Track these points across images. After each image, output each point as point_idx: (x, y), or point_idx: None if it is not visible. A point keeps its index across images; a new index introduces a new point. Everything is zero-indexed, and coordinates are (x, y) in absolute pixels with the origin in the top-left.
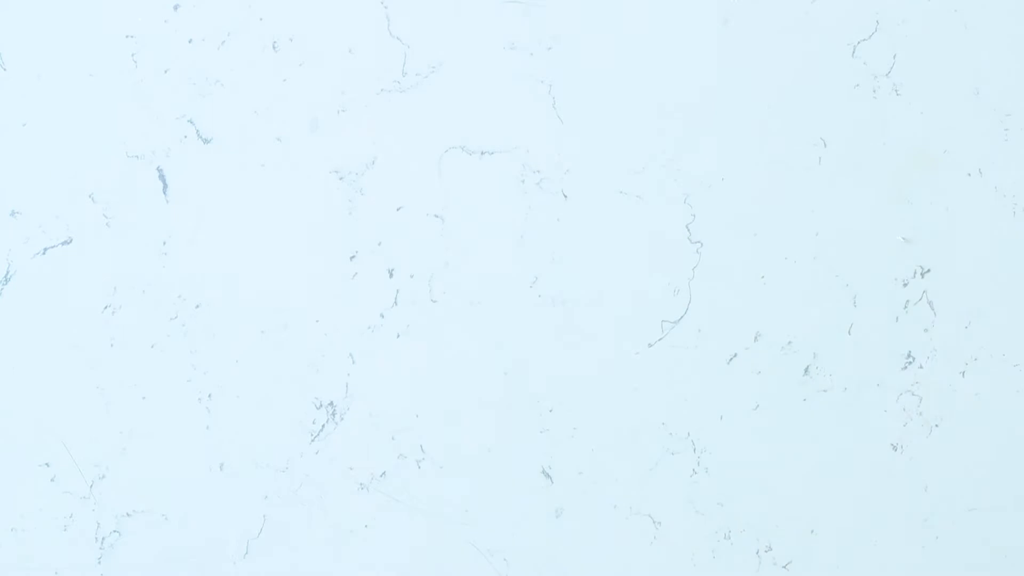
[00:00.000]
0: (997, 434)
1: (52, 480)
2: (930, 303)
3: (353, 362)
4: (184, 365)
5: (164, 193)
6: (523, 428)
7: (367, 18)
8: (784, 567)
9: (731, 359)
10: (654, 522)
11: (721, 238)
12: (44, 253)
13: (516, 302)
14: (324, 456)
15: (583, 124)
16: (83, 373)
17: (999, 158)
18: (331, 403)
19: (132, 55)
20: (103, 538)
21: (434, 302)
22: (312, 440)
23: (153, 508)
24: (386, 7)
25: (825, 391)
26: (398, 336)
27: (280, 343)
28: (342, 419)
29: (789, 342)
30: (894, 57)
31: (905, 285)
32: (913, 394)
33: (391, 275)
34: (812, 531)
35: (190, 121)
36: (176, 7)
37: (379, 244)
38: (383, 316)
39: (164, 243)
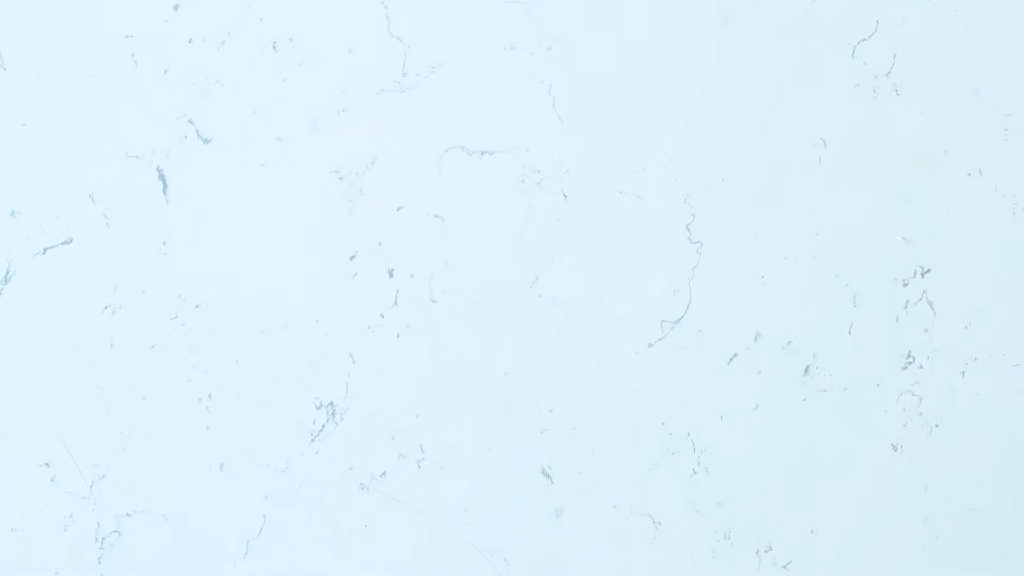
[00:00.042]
0: (997, 434)
1: (52, 480)
2: (930, 303)
3: (353, 362)
4: (184, 365)
5: (164, 193)
6: (523, 428)
7: (367, 18)
8: (784, 567)
9: (731, 359)
10: (654, 522)
11: (721, 238)
12: (44, 253)
13: (516, 302)
14: (324, 456)
15: (583, 124)
16: (83, 373)
17: (999, 158)
18: (331, 403)
19: (132, 55)
20: (103, 538)
21: (434, 302)
22: (312, 440)
23: (153, 508)
24: (386, 7)
25: (825, 391)
26: (398, 336)
27: (280, 343)
28: (342, 419)
29: (789, 342)
30: (894, 57)
31: (905, 285)
32: (913, 394)
33: (391, 275)
34: (812, 531)
35: (190, 121)
36: (176, 7)
37: (379, 244)
38: (383, 316)
39: (164, 243)
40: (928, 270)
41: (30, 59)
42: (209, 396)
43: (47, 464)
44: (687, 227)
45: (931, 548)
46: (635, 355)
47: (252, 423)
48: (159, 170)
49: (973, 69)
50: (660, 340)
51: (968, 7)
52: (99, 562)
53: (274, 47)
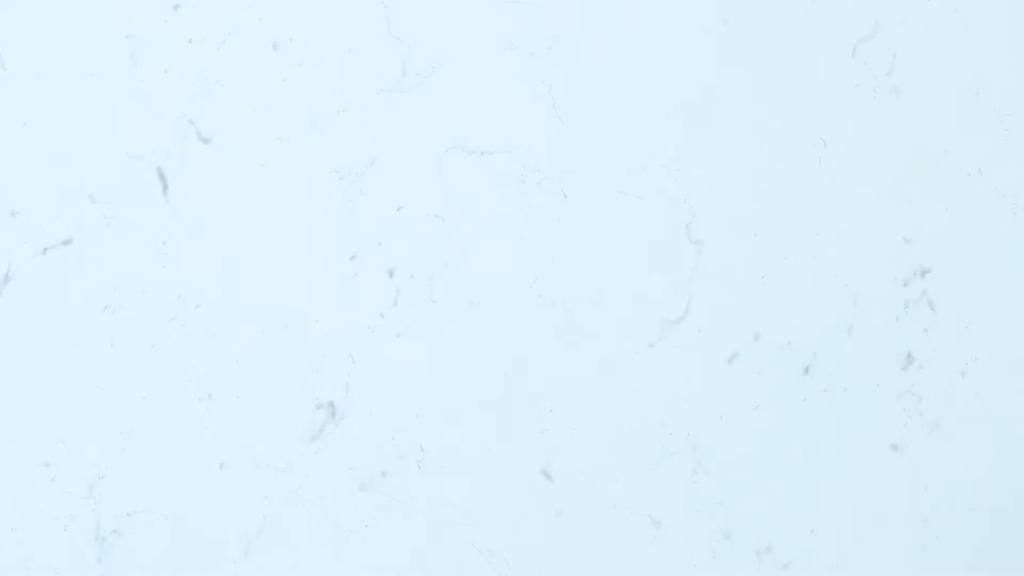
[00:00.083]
0: (997, 434)
1: (52, 480)
2: (930, 303)
3: (353, 362)
4: (184, 365)
5: (164, 193)
6: (523, 428)
7: (367, 18)
8: (784, 567)
9: (731, 359)
10: (654, 522)
11: (721, 238)
12: (44, 253)
13: (516, 302)
14: (324, 456)
15: (583, 124)
16: (83, 373)
17: (999, 158)
18: (331, 403)
19: (132, 55)
20: (103, 538)
21: (434, 302)
22: (312, 440)
23: (153, 508)
24: (386, 7)
25: (825, 391)
26: (398, 336)
27: (280, 343)
28: (342, 419)
29: (789, 342)
30: (894, 57)
31: (905, 285)
32: (913, 394)
33: (391, 275)
34: (812, 531)
35: (190, 121)
36: (176, 7)
37: (379, 244)
38: (383, 316)
39: (164, 243)
40: (928, 270)
41: (30, 59)
42: (209, 396)
43: (47, 464)
44: (687, 227)
45: (931, 548)
46: (635, 355)
47: (252, 423)
48: (159, 170)
49: (973, 69)
50: (660, 340)
51: (968, 8)
52: (99, 562)
53: (274, 47)
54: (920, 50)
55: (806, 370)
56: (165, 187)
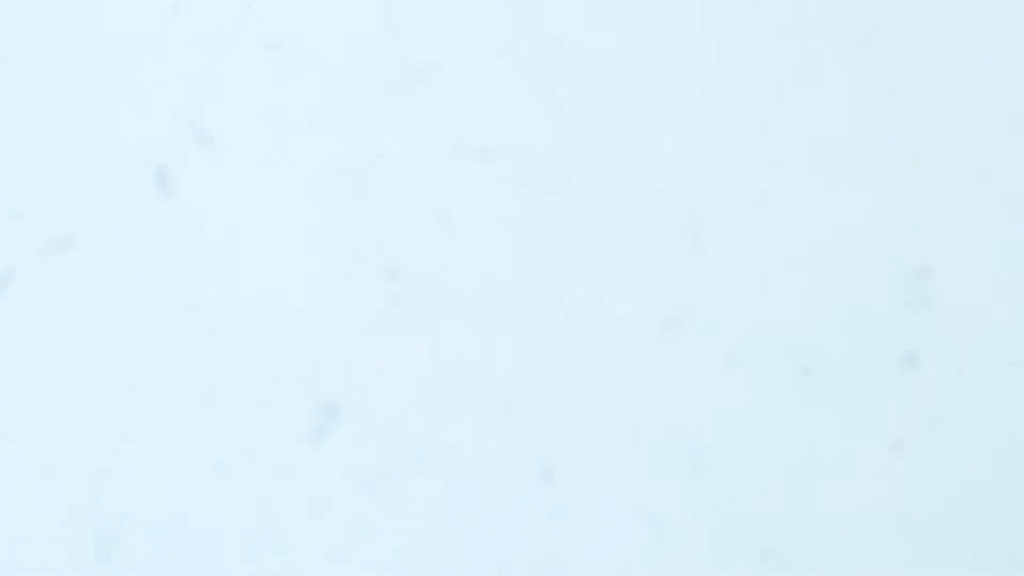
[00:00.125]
0: (997, 434)
1: (52, 480)
2: (931, 303)
3: (353, 362)
4: (184, 365)
5: (164, 193)
6: (523, 428)
7: (367, 18)
8: (784, 567)
9: (731, 359)
10: (654, 522)
11: (721, 238)
12: (44, 253)
13: (516, 302)
14: (324, 456)
15: (583, 124)
16: (83, 373)
17: (999, 158)
18: (331, 403)
19: (132, 55)
20: (103, 538)
21: (434, 302)
22: (312, 440)
23: (153, 508)
24: (387, 6)
25: (825, 391)
26: (398, 336)
27: (280, 343)
28: (342, 419)
29: (789, 342)
30: (894, 56)
31: (905, 285)
32: (913, 394)
33: (391, 275)
34: (812, 531)
35: (190, 121)
36: (176, 7)
37: (379, 244)
38: (383, 316)
39: (164, 243)
40: (929, 270)
41: (30, 58)
42: (209, 396)
43: (47, 464)
44: (687, 227)
45: (931, 548)
46: (635, 355)
47: (252, 423)
48: (159, 170)
49: (973, 69)
50: (660, 340)
51: (969, 7)
52: (98, 562)
53: (274, 47)
54: (920, 50)
55: (806, 370)
56: (165, 187)
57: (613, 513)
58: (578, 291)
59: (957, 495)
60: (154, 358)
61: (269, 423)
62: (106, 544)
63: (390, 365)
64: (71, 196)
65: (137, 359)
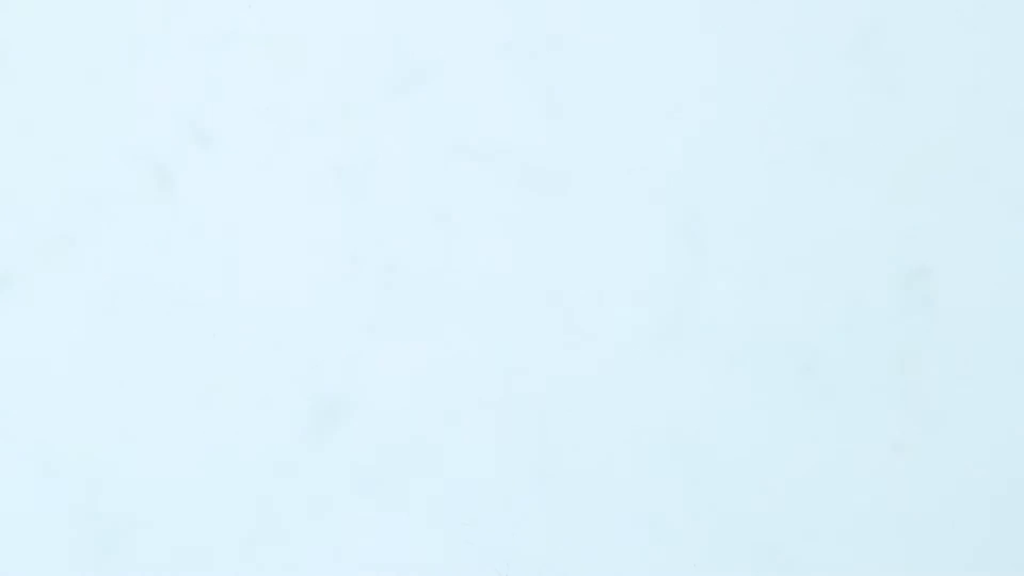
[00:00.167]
0: (997, 434)
1: (52, 480)
2: (930, 303)
3: (353, 362)
4: (184, 365)
5: (164, 193)
6: (523, 428)
7: (368, 17)
8: (784, 567)
9: (731, 359)
10: (654, 522)
11: (721, 238)
12: (43, 252)
13: (516, 302)
14: (324, 456)
15: (583, 124)
16: (82, 373)
17: (999, 158)
18: (331, 403)
19: (131, 55)
20: (103, 539)
21: (434, 302)
22: (312, 440)
23: (153, 508)
24: (386, 7)
25: (825, 391)
26: (398, 336)
27: (280, 343)
28: (342, 419)
29: (789, 342)
30: (894, 56)
31: (905, 286)
32: (913, 394)
33: (391, 275)
34: (812, 531)
35: (190, 122)
36: (176, 5)
37: (379, 244)
38: (383, 316)
39: (164, 243)
40: (928, 270)
41: (29, 58)
42: (209, 396)
43: (46, 463)
44: (687, 227)
45: (931, 548)
46: (635, 355)
47: (252, 423)
48: (159, 170)
49: (973, 69)
50: (660, 340)
51: (969, 7)
52: (99, 563)
53: (274, 47)
54: (920, 50)
55: (806, 370)
56: (165, 187)
57: (613, 513)
58: (578, 291)
59: (957, 495)
60: (154, 357)
61: (269, 422)
62: (105, 545)
63: (390, 365)
64: (71, 196)
65: (137, 359)
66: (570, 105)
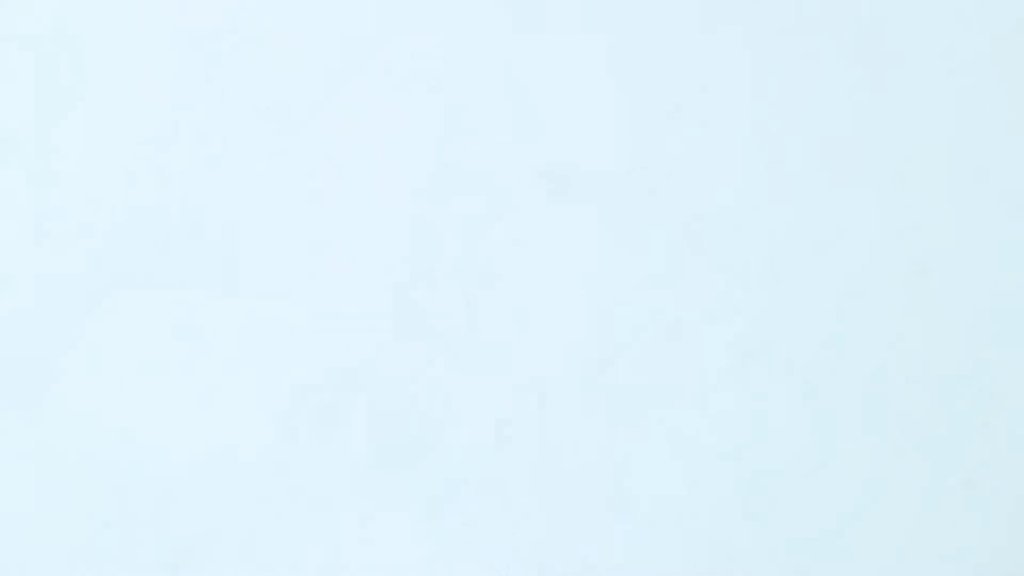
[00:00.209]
0: (999, 434)
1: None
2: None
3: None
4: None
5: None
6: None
7: (449, 43)
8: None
9: (807, 392)
10: (712, 545)
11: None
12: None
13: (586, 325)
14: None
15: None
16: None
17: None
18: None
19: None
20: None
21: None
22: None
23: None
24: (469, 33)
25: (899, 424)
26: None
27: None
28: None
29: (864, 376)
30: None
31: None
32: (987, 429)
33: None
34: (882, 566)
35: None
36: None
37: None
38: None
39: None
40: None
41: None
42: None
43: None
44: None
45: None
46: (711, 386)
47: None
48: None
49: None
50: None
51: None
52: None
53: (357, 72)
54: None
55: (880, 404)
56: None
57: (686, 541)
58: (655, 320)
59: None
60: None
61: (340, 446)
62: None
63: (465, 390)
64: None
65: (208, 379)
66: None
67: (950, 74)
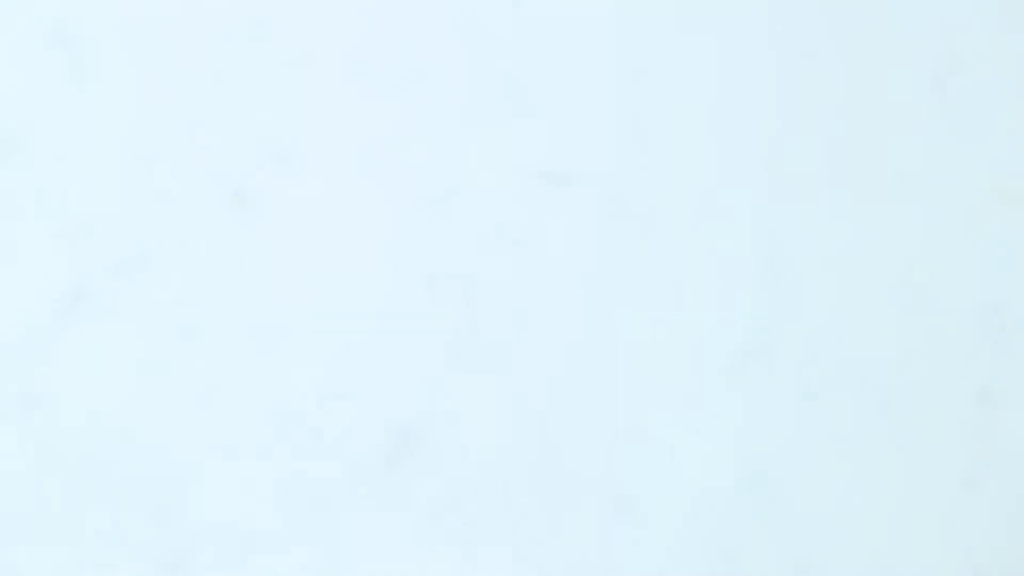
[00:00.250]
0: (999, 434)
1: (122, 499)
2: (1006, 340)
3: (428, 388)
4: (257, 387)
5: (241, 213)
6: (597, 458)
7: (450, 41)
8: None
9: (806, 393)
10: (726, 555)
11: (799, 272)
12: (116, 273)
13: (592, 331)
14: (400, 484)
15: (666, 154)
16: (155, 395)
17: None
18: (406, 430)
19: (215, 74)
20: (170, 563)
21: (509, 329)
22: (386, 467)
23: (219, 533)
24: (470, 31)
25: (900, 425)
26: (474, 363)
27: (356, 368)
28: (417, 446)
29: (866, 376)
30: (975, 92)
31: (981, 322)
32: (987, 430)
33: (468, 301)
34: (884, 567)
35: (270, 141)
36: (260, 27)
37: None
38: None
39: (239, 264)
40: (1004, 306)
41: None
42: (282, 420)
43: (118, 484)
44: (766, 259)
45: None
46: (711, 387)
47: (326, 448)
48: (237, 191)
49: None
50: (736, 373)
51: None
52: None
53: (357, 71)
54: (998, 89)
55: (882, 405)
56: (242, 207)
57: (687, 543)
58: (656, 321)
59: None
60: (225, 381)
61: (343, 449)
62: (171, 567)
63: (465, 392)
64: (147, 215)
65: (211, 380)
66: (652, 134)
67: (949, 75)
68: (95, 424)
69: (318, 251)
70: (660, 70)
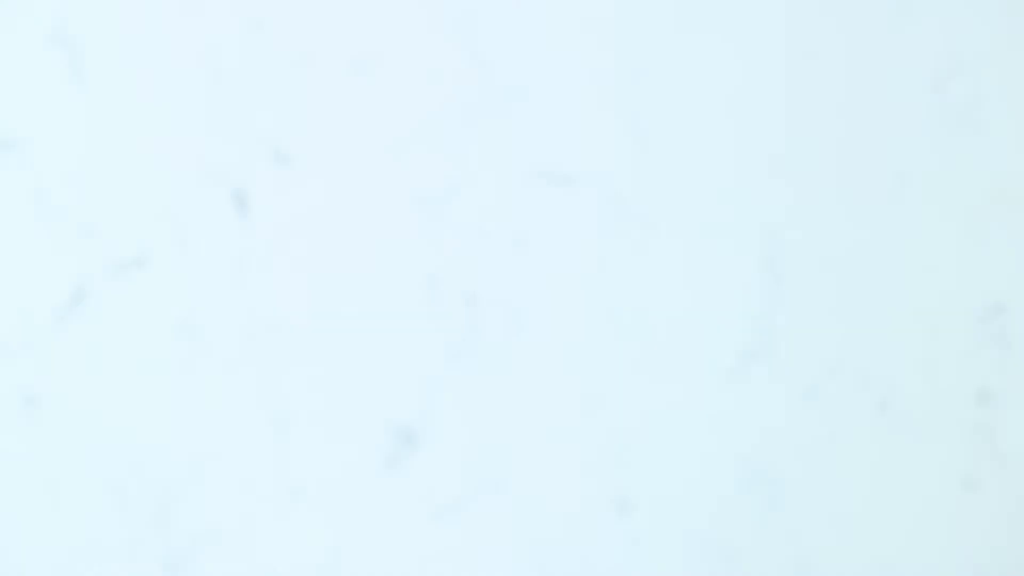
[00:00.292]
0: (999, 434)
1: (121, 504)
2: (1006, 340)
3: (429, 387)
4: (257, 387)
5: (241, 214)
6: (599, 458)
7: (450, 41)
8: None
9: (807, 393)
10: (728, 553)
11: (800, 272)
12: (117, 273)
13: (593, 331)
14: (399, 485)
15: (666, 155)
16: (155, 395)
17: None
18: (407, 430)
19: (213, 75)
20: (172, 564)
21: (511, 329)
22: (387, 468)
23: (223, 535)
24: (470, 31)
25: (900, 425)
26: (474, 362)
27: (356, 368)
28: (419, 447)
29: (866, 376)
30: (975, 93)
31: (980, 322)
32: (986, 430)
33: (468, 302)
34: (884, 564)
35: (269, 142)
36: (258, 27)
37: (458, 271)
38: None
39: (240, 265)
40: (1005, 307)
41: (107, 78)
42: (283, 419)
43: (115, 484)
44: (767, 260)
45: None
46: (711, 386)
47: (327, 448)
48: (237, 191)
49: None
50: (737, 372)
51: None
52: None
53: (356, 70)
54: (1002, 87)
55: (882, 405)
56: (242, 208)
57: (687, 543)
58: (656, 321)
59: None
60: (227, 382)
61: (343, 449)
62: (175, 571)
63: (465, 392)
64: (146, 216)
65: (211, 380)
66: (653, 135)
67: (949, 76)
68: (95, 424)
69: (318, 251)
70: (660, 70)
